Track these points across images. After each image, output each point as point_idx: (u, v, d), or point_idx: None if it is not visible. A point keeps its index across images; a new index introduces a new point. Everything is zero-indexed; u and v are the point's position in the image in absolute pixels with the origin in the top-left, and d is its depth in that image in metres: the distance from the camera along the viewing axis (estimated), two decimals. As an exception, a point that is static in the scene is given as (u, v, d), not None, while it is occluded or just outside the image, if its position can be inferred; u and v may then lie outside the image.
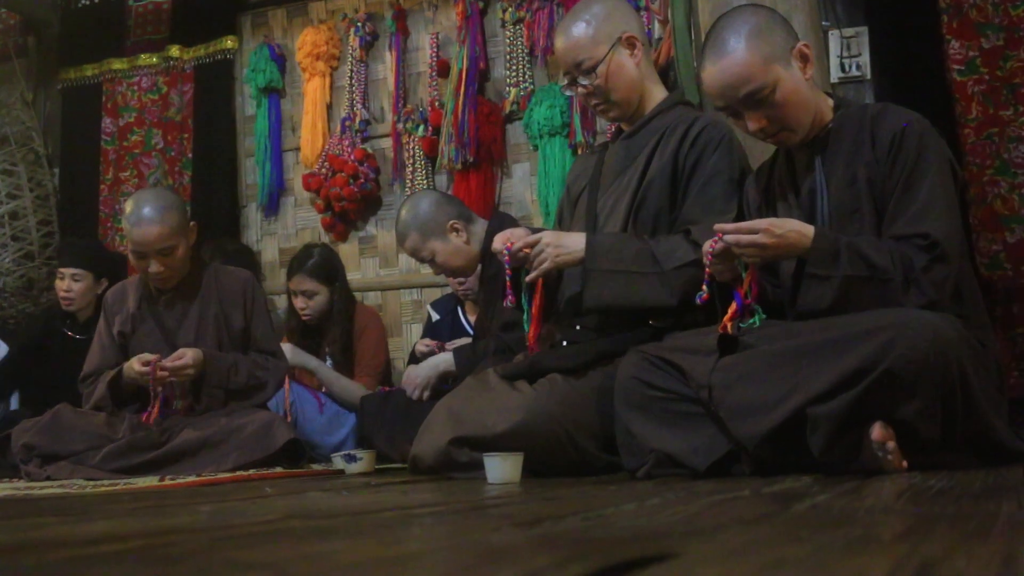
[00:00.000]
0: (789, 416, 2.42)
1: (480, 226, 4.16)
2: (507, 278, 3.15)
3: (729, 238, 2.57)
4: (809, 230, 2.58)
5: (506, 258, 3.11)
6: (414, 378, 4.09)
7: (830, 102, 2.88)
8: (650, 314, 3.08)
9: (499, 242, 3.15)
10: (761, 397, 2.48)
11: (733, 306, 2.63)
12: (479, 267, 4.16)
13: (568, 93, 3.52)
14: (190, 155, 6.33)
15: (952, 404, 2.37)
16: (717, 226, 2.61)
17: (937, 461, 2.41)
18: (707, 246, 2.64)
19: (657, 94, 3.39)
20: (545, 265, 3.09)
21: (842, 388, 2.35)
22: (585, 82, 3.29)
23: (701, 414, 2.65)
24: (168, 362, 3.90)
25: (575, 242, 3.12)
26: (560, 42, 3.34)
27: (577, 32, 3.28)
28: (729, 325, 2.62)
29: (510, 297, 3.16)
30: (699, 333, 2.82)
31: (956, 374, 2.35)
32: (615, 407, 2.82)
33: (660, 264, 3.04)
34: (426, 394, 4.05)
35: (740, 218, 3.05)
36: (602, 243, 3.12)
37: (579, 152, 5.05)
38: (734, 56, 2.70)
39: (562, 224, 3.57)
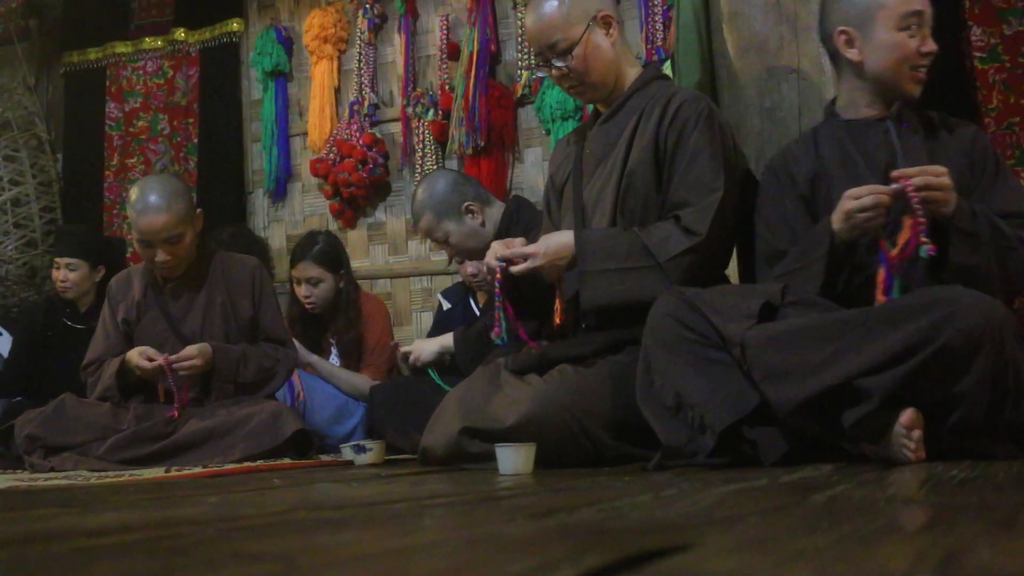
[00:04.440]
0: (834, 385, 2.40)
1: (497, 209, 4.16)
2: (497, 308, 3.11)
3: (917, 180, 2.55)
4: None
5: (497, 276, 3.08)
6: (420, 352, 4.13)
7: None
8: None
9: (491, 257, 3.12)
10: (800, 361, 2.45)
11: (882, 273, 2.61)
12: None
13: (540, 75, 3.48)
14: (195, 140, 6.34)
15: (1003, 384, 2.35)
16: (899, 172, 2.60)
17: (977, 448, 2.39)
18: (870, 199, 2.63)
19: (632, 73, 3.33)
20: (550, 278, 3.11)
21: (895, 361, 2.34)
22: (560, 64, 3.22)
23: (731, 364, 2.61)
24: (174, 357, 3.91)
25: (565, 244, 3.08)
26: (531, 21, 3.27)
27: (549, 11, 3.20)
28: (881, 294, 2.60)
29: (496, 329, 3.11)
30: (738, 292, 2.79)
31: (1009, 353, 2.35)
32: (643, 345, 2.79)
33: (655, 256, 3.00)
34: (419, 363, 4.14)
35: (769, 196, 3.07)
36: (593, 241, 3.08)
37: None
38: None
39: (551, 215, 3.51)
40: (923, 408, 2.35)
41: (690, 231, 2.99)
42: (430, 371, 4.06)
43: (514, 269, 3.07)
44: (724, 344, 2.62)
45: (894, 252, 2.58)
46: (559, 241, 3.09)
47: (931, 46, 2.87)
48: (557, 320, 3.13)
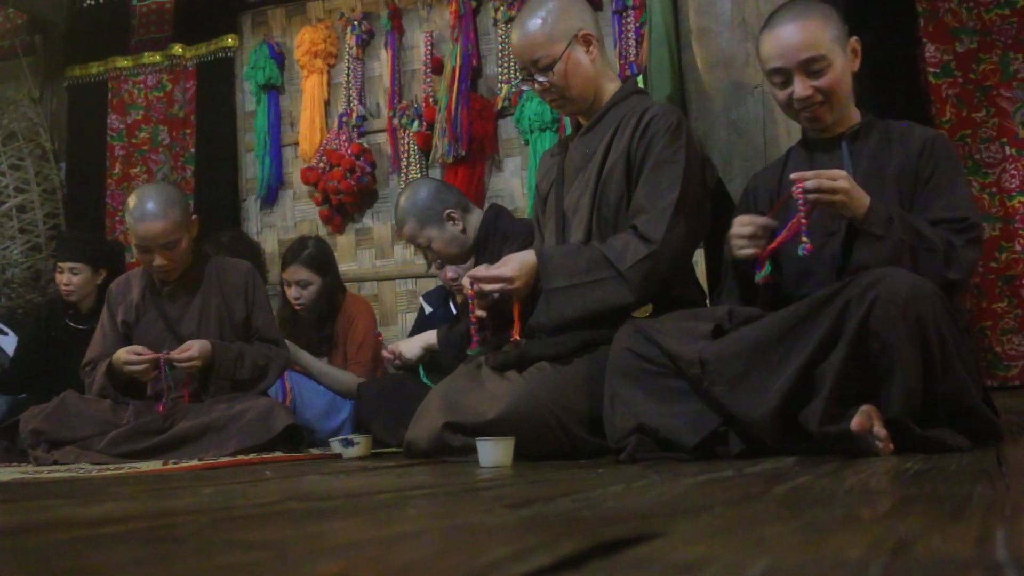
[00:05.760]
0: (793, 378, 2.41)
1: (477, 216, 4.16)
2: (471, 324, 3.14)
3: (810, 184, 2.58)
4: (867, 195, 2.65)
5: (470, 292, 3.09)
6: (404, 350, 4.13)
7: (856, 111, 2.99)
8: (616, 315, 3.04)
9: (466, 282, 3.14)
10: (759, 363, 2.48)
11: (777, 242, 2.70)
12: (473, 257, 4.16)
13: (524, 88, 3.50)
14: (193, 150, 6.33)
15: (929, 353, 2.36)
16: (796, 175, 2.63)
17: (929, 438, 2.39)
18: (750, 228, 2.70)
19: (611, 88, 3.35)
20: (521, 295, 3.12)
21: (833, 339, 2.38)
22: (542, 79, 3.25)
23: (688, 390, 2.63)
24: (175, 354, 3.91)
25: (531, 264, 3.09)
26: (516, 38, 3.29)
27: (533, 29, 3.23)
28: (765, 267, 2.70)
29: (476, 340, 3.14)
30: (690, 317, 2.80)
31: (933, 324, 2.36)
32: (607, 376, 2.79)
33: (614, 267, 3.02)
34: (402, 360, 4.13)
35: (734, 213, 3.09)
36: (554, 258, 3.09)
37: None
38: (805, 22, 2.84)
39: (539, 224, 3.55)
40: (873, 397, 2.37)
41: (646, 238, 3.02)
42: (420, 369, 4.06)
43: (489, 288, 3.08)
44: (681, 370, 2.63)
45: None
46: (526, 261, 3.10)
47: (805, 91, 2.85)
48: (515, 336, 3.12)
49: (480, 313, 3.11)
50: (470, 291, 3.09)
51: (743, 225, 2.77)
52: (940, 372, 2.39)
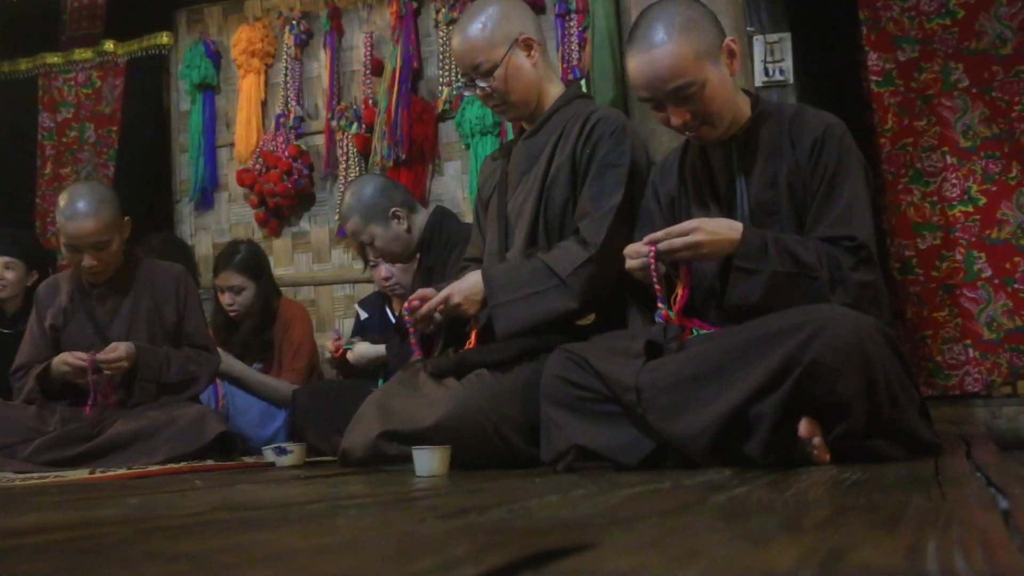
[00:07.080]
0: (728, 414, 2.39)
1: (422, 216, 4.16)
2: (413, 336, 3.17)
3: (662, 246, 2.55)
4: (738, 227, 2.59)
5: (408, 319, 3.15)
6: (351, 357, 4.15)
7: (747, 100, 2.86)
8: (562, 322, 3.08)
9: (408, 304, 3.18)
10: (693, 397, 2.46)
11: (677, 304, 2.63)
12: (417, 257, 4.17)
13: (467, 93, 3.52)
14: (116, 147, 6.25)
15: (876, 399, 2.37)
16: (648, 237, 2.60)
17: (867, 447, 2.41)
18: (638, 261, 2.64)
19: (554, 92, 3.37)
20: (469, 314, 3.16)
21: (775, 382, 2.35)
22: (483, 84, 3.27)
23: (622, 415, 2.61)
24: (102, 355, 3.86)
25: (477, 284, 3.13)
26: (457, 43, 3.30)
27: (473, 34, 3.25)
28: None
29: (418, 351, 3.17)
30: (623, 337, 2.81)
31: (878, 366, 2.36)
32: (541, 402, 2.81)
33: (557, 275, 3.05)
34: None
35: (643, 210, 3.06)
36: (498, 276, 3.13)
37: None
38: (665, 48, 2.63)
39: (480, 228, 3.57)
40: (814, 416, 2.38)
41: (586, 243, 3.05)
42: (379, 381, 4.06)
43: (434, 312, 3.12)
44: (614, 395, 2.62)
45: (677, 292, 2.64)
46: (471, 282, 3.14)
47: (680, 119, 2.70)
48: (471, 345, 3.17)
49: (415, 332, 3.16)
50: (407, 316, 3.14)
51: (631, 256, 2.67)
52: (887, 411, 2.40)
